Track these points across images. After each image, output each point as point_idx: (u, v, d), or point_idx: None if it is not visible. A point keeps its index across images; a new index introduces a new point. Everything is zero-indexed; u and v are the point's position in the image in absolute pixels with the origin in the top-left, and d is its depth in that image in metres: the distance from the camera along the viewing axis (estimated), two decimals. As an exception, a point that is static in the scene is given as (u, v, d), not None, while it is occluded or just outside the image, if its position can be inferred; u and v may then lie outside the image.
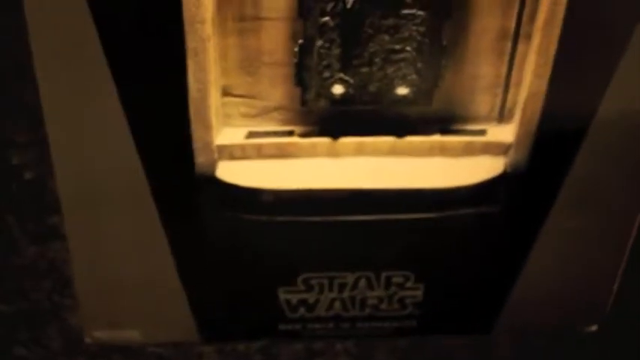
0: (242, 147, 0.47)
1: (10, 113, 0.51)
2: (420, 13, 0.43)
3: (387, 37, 0.44)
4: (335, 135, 0.48)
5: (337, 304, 0.53)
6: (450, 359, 0.63)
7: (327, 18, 0.43)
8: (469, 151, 0.48)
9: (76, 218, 0.49)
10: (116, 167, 0.47)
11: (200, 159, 0.46)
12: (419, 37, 0.44)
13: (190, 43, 0.43)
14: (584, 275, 0.53)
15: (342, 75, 0.45)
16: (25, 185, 0.53)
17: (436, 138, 0.48)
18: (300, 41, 0.44)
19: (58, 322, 0.59)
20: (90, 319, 0.53)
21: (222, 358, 0.61)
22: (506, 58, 0.46)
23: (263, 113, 0.47)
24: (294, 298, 0.53)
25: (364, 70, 0.45)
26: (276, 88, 0.46)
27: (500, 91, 0.47)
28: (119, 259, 0.50)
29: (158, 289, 0.52)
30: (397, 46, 0.44)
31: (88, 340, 0.54)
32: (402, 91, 0.46)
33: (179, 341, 0.57)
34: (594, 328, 0.56)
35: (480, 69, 0.46)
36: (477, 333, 0.57)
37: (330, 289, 0.53)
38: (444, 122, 0.48)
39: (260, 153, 0.48)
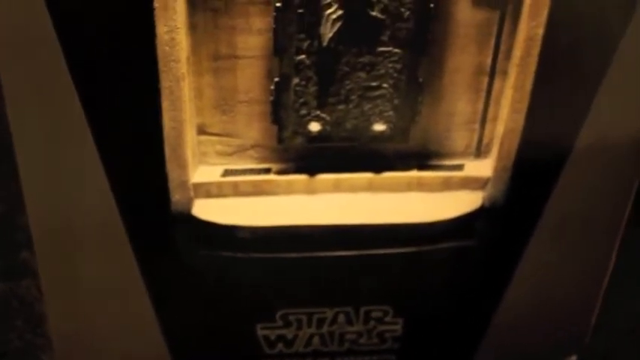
0: (218, 185, 0.47)
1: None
2: (397, 50, 0.43)
3: (363, 75, 0.44)
4: (312, 172, 0.47)
5: (316, 340, 0.53)
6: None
7: (302, 56, 0.43)
8: (447, 186, 0.48)
9: (48, 256, 0.48)
10: (90, 205, 0.46)
11: (176, 197, 0.46)
12: (395, 74, 0.44)
13: (165, 82, 0.42)
14: (563, 306, 0.54)
15: (318, 112, 0.45)
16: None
17: (414, 173, 0.48)
18: (276, 79, 0.44)
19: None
20: (64, 358, 0.53)
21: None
22: (483, 93, 0.46)
23: (239, 151, 0.47)
24: (273, 334, 0.52)
25: (341, 107, 0.45)
26: (253, 126, 0.46)
27: (477, 126, 0.47)
28: (94, 297, 0.50)
29: (134, 325, 0.51)
30: (374, 83, 0.44)
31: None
32: (379, 127, 0.46)
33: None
34: (574, 358, 0.56)
35: (456, 105, 0.46)
36: (456, 365, 0.57)
37: (309, 325, 0.52)
38: (422, 158, 0.48)
39: (236, 190, 0.47)
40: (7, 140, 0.44)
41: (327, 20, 0.42)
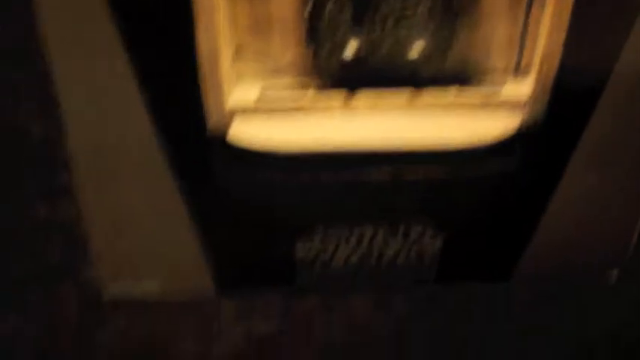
0: (254, 106, 0.47)
1: (19, 71, 0.50)
2: (432, -27, 0.43)
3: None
4: (349, 92, 0.47)
5: (354, 257, 0.53)
6: (468, 309, 0.63)
7: (337, -20, 0.43)
8: (485, 106, 0.48)
9: (88, 177, 0.49)
10: (127, 128, 0.46)
11: (212, 119, 0.46)
12: (431, -1, 0.43)
13: (200, 3, 0.42)
14: (603, 224, 0.53)
15: (353, 38, 0.44)
16: (34, 143, 0.53)
17: (452, 94, 0.47)
18: (310, 5, 0.43)
19: (72, 279, 0.59)
20: (105, 275, 0.53)
21: (239, 312, 0.62)
22: (522, 14, 0.45)
23: (276, 70, 0.47)
24: (311, 252, 0.53)
25: (376, 32, 0.44)
26: (289, 48, 0.46)
27: (516, 47, 0.46)
28: (133, 215, 0.50)
29: (174, 243, 0.52)
30: (409, 8, 0.43)
31: (104, 294, 0.54)
32: (415, 53, 0.45)
33: (197, 293, 0.57)
34: (614, 274, 0.56)
35: (495, 26, 0.45)
36: (495, 281, 0.57)
37: (347, 243, 0.52)
38: (460, 78, 0.47)
39: (273, 111, 0.47)
40: (45, 64, 0.44)
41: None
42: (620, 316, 0.64)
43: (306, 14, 0.43)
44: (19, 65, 0.50)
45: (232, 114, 0.47)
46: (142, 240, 0.52)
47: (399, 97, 0.47)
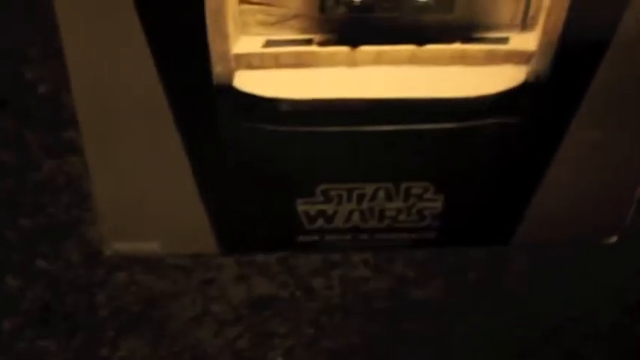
0: (260, 56, 0.47)
1: (24, 26, 0.50)
2: None
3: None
4: (354, 43, 0.47)
5: (355, 216, 0.53)
6: (468, 271, 0.63)
7: None
8: (491, 59, 0.47)
9: (92, 132, 0.49)
10: (132, 79, 0.46)
11: (217, 68, 0.46)
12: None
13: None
14: (604, 187, 0.53)
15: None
16: (40, 99, 0.53)
17: (457, 46, 0.47)
18: None
19: (77, 235, 0.59)
20: (109, 232, 0.53)
21: (241, 270, 0.62)
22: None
23: (281, 21, 0.46)
24: (313, 210, 0.53)
25: None
26: (293, -1, 0.46)
27: (522, -2, 0.46)
28: (138, 171, 0.50)
29: (177, 201, 0.52)
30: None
31: (107, 252, 0.54)
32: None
33: (198, 253, 0.57)
34: (614, 239, 0.56)
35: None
36: (495, 245, 0.57)
37: (349, 200, 0.52)
38: (466, 30, 0.47)
39: (278, 62, 0.47)
40: (51, 19, 0.44)
41: None
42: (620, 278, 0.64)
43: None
44: (26, 19, 0.50)
45: (237, 64, 0.46)
46: (146, 199, 0.52)
47: (402, 50, 0.47)
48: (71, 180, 0.56)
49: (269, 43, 0.47)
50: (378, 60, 0.47)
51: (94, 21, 0.44)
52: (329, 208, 0.53)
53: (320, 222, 0.53)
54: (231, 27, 0.45)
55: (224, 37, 0.45)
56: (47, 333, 0.63)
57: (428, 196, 0.52)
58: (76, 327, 0.63)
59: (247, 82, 0.47)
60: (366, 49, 0.47)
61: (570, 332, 0.67)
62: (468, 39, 0.47)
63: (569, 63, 0.47)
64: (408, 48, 0.47)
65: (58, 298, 0.61)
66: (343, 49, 0.47)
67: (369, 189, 0.52)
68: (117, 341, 0.64)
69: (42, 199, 0.57)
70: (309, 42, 0.47)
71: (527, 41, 0.47)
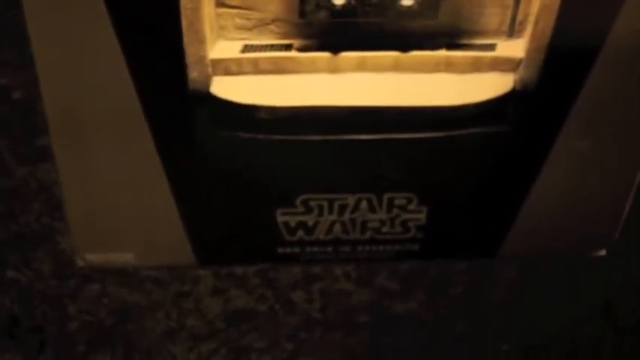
0: (237, 61, 0.46)
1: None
2: None
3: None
4: (335, 49, 0.46)
5: (337, 227, 0.52)
6: (452, 284, 0.63)
7: None
8: (477, 66, 0.46)
9: (65, 139, 0.47)
10: (106, 86, 0.45)
11: (193, 74, 0.45)
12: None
13: (182, -51, 0.41)
14: (592, 199, 0.52)
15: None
16: (14, 105, 0.52)
17: (442, 53, 0.46)
18: None
19: (48, 245, 0.58)
20: (82, 242, 0.52)
21: (219, 282, 0.61)
22: (518, -33, 0.44)
23: (259, 25, 0.45)
24: (293, 220, 0.52)
25: None
26: (272, 2, 0.44)
27: (510, 3, 0.45)
28: (111, 180, 0.49)
29: (153, 210, 0.50)
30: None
31: (79, 262, 0.52)
32: (407, 2, 0.44)
33: (175, 264, 0.56)
34: (602, 253, 0.55)
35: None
36: (481, 258, 0.56)
37: (330, 212, 0.51)
38: (451, 36, 0.46)
39: (256, 68, 0.46)
40: (21, 26, 0.43)
41: None
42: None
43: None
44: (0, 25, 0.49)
45: (214, 69, 0.45)
46: (120, 208, 0.50)
47: (386, 57, 0.46)
48: (43, 188, 0.55)
49: (247, 48, 0.46)
50: (360, 66, 0.46)
51: (65, 25, 0.43)
52: (310, 219, 0.52)
53: (300, 233, 0.52)
54: (207, 31, 0.44)
55: (200, 42, 0.44)
56: (14, 346, 0.62)
57: (412, 207, 0.51)
58: (45, 341, 0.62)
59: (225, 88, 0.46)
60: (348, 55, 0.46)
61: (556, 347, 0.67)
62: (453, 45, 0.46)
63: (558, 71, 0.46)
64: (392, 54, 0.46)
65: (28, 310, 0.60)
66: (324, 55, 0.46)
67: (351, 200, 0.51)
68: (87, 356, 0.63)
69: (13, 207, 0.56)
70: (288, 47, 0.46)
71: (514, 48, 0.46)
